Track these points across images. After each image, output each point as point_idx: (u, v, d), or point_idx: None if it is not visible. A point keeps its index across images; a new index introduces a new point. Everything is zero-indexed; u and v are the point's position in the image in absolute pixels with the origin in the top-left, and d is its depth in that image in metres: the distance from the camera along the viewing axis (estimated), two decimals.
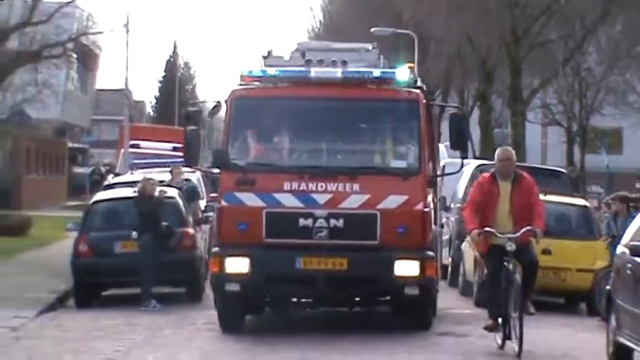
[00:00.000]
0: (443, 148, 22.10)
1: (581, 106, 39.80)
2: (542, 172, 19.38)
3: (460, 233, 19.41)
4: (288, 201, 12.13)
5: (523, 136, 36.93)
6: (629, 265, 10.56)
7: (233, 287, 12.04)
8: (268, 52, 13.55)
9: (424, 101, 12.68)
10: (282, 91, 12.80)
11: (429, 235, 12.35)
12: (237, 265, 12.06)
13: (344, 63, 12.71)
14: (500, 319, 11.93)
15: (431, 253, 12.31)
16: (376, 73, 12.61)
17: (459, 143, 12.75)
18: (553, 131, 45.93)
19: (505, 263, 11.79)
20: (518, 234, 11.76)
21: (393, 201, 11.99)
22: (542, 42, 37.03)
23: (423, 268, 11.98)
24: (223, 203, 12.41)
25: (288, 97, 12.78)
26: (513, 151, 12.59)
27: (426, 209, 12.24)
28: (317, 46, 15.34)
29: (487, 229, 11.79)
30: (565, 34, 37.01)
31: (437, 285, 13.24)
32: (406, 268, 11.93)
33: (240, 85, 12.78)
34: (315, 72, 12.45)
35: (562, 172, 21.41)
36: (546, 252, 15.18)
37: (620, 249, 11.28)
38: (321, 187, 12.08)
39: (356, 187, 12.06)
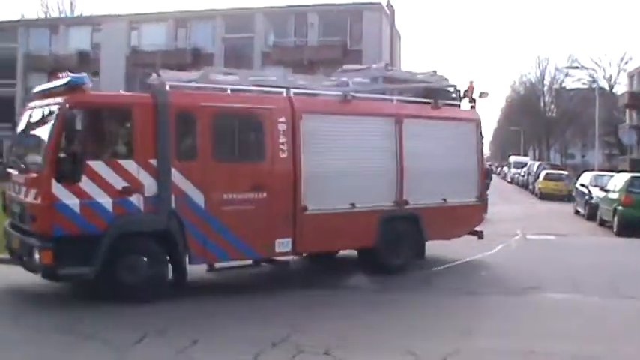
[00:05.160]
0: None
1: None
2: None
3: None
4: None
5: None
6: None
7: None
8: None
9: (68, 106, 12.07)
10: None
11: (49, 225, 11.93)
12: None
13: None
14: None
15: (48, 244, 11.89)
16: (61, 82, 12.45)
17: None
18: None
19: None
20: None
21: (31, 194, 12.31)
22: None
23: (41, 255, 11.94)
24: None
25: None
26: None
27: (46, 202, 11.93)
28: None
29: None
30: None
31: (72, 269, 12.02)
32: (37, 253, 12.00)
33: None
34: (38, 87, 13.52)
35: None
36: None
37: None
38: (18, 179, 12.87)
39: (24, 181, 12.60)
